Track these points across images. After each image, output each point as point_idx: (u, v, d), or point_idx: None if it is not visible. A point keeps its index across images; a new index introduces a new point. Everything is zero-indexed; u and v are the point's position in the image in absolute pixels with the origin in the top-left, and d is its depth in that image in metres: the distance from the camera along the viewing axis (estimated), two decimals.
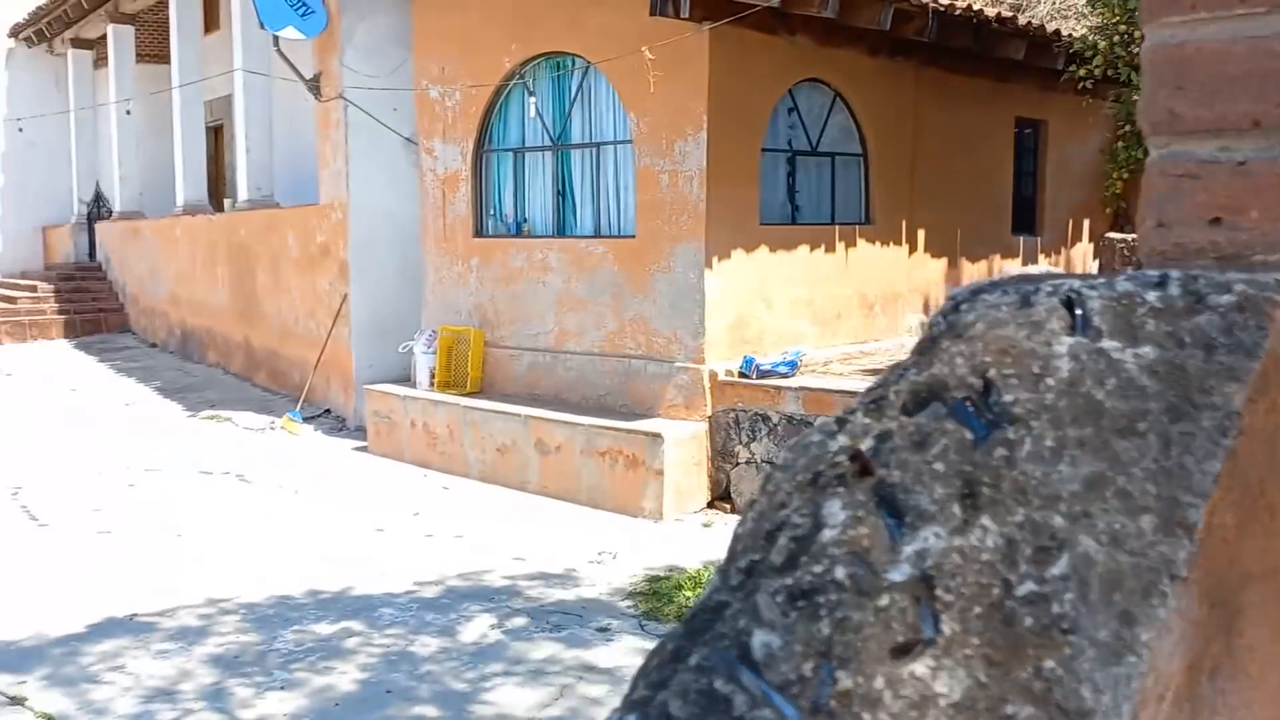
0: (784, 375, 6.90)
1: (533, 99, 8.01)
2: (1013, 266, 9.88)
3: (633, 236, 7.47)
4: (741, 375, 6.96)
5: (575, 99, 7.86)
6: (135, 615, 4.87)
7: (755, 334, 7.33)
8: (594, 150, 7.81)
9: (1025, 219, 10.12)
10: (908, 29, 7.11)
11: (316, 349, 9.70)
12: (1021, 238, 10.01)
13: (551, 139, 8.05)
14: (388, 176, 9.21)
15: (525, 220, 8.42)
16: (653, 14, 6.43)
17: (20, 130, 17.85)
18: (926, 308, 8.81)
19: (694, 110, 6.91)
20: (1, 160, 18.12)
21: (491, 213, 8.64)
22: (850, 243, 8.03)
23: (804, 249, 7.68)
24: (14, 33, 17.83)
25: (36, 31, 17.23)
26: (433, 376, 8.49)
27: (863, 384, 6.49)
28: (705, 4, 6.30)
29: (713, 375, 7.00)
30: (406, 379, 8.83)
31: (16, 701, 4.00)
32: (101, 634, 4.64)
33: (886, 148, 8.31)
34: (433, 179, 8.88)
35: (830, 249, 7.86)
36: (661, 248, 7.21)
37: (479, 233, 8.62)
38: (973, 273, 9.35)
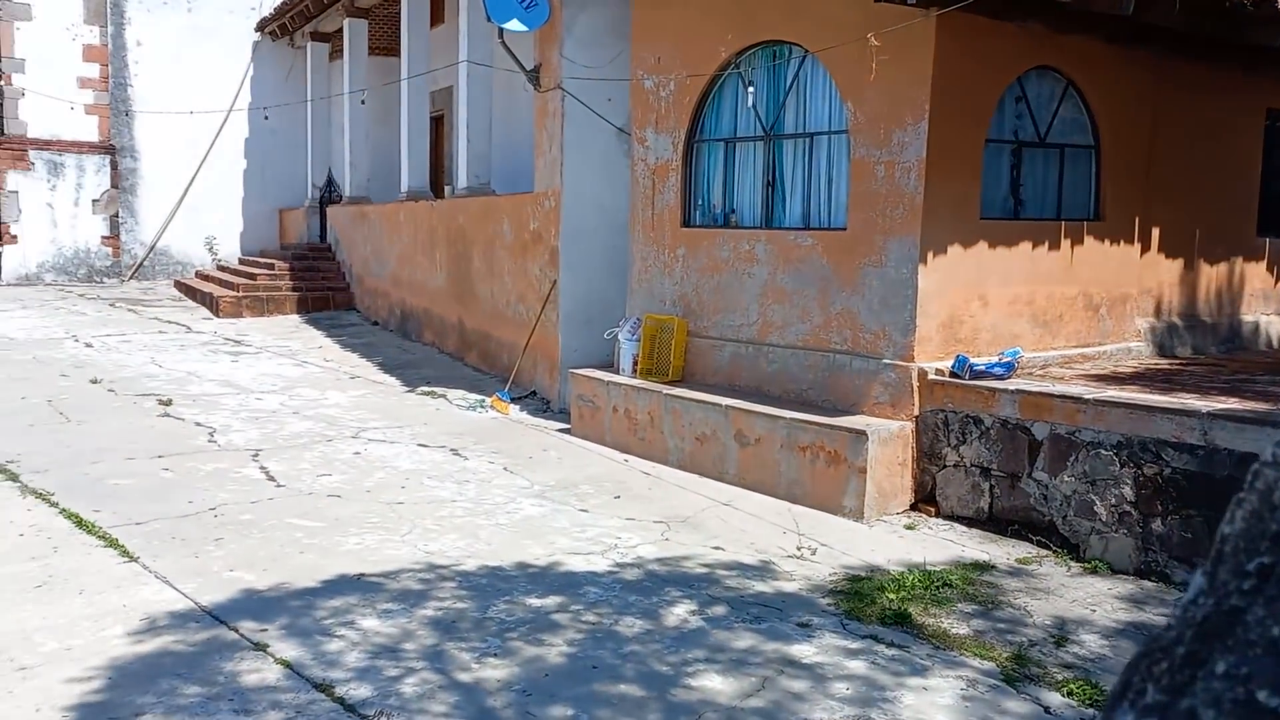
0: (999, 377, 6.62)
1: (750, 90, 7.99)
2: (1257, 270, 9.11)
3: (843, 229, 7.33)
4: (953, 375, 6.72)
5: (790, 88, 7.78)
6: (363, 575, 5.20)
7: (969, 333, 7.07)
8: (807, 140, 7.71)
9: (1274, 219, 9.30)
10: (1151, 14, 6.65)
11: (526, 332, 10.04)
12: (1268, 240, 9.22)
13: (764, 129, 8.01)
14: (600, 166, 9.41)
15: (733, 211, 8.42)
16: (878, 1, 6.27)
17: (266, 118, 19.32)
18: (1159, 311, 8.26)
19: (915, 99, 6.71)
20: (245, 146, 19.70)
21: (699, 203, 8.68)
22: (1076, 240, 7.61)
23: (1026, 245, 7.33)
24: (260, 27, 19.31)
25: (280, 26, 18.60)
26: (636, 363, 8.62)
27: (1087, 389, 6.15)
28: None
29: (921, 374, 6.80)
30: (610, 365, 9.02)
31: (259, 647, 4.34)
32: (333, 591, 4.97)
33: (1121, 140, 7.82)
34: (643, 168, 9.00)
35: (1054, 246, 7.48)
36: (873, 241, 7.05)
37: (686, 223, 8.68)
38: (1211, 276, 8.68)
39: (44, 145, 17.85)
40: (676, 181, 8.68)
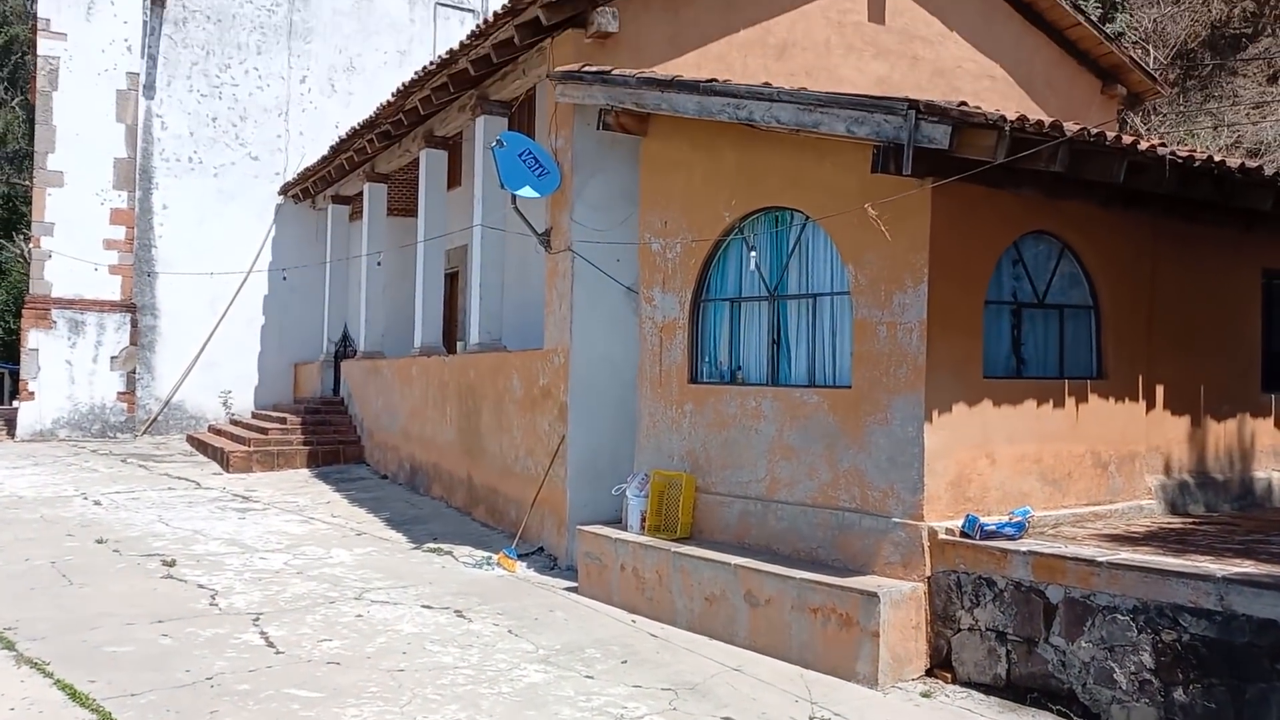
0: (1010, 537, 6.55)
1: (753, 253, 8.21)
2: (1265, 427, 9.09)
3: (848, 387, 7.40)
4: (964, 535, 6.65)
5: (793, 251, 7.99)
6: None
7: (978, 491, 7.03)
8: (810, 301, 7.87)
9: (1278, 375, 9.34)
10: (1143, 180, 6.87)
11: (534, 487, 10.02)
12: (1274, 396, 9.23)
13: (768, 289, 8.18)
14: (608, 323, 9.59)
15: (739, 368, 8.52)
16: (874, 171, 6.51)
17: (284, 279, 19.84)
18: (1168, 468, 8.21)
19: (914, 263, 6.88)
20: (264, 302, 20.16)
21: (706, 360, 8.80)
22: (1081, 398, 7.65)
23: (1030, 403, 7.37)
24: (283, 190, 20.07)
25: (303, 190, 19.32)
26: (644, 520, 8.57)
27: (1100, 550, 6.07)
28: (927, 161, 6.32)
29: (932, 533, 6.73)
30: (618, 521, 8.96)
31: None
32: None
33: (1120, 299, 7.95)
34: (651, 326, 9.17)
35: (1059, 404, 7.51)
36: (878, 399, 7.10)
37: (694, 379, 8.78)
38: (1219, 432, 8.67)
39: (67, 304, 18.30)
40: (684, 339, 8.82)
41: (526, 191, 9.53)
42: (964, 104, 6.27)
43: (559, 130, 9.75)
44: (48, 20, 18.68)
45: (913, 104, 6.19)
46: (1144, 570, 5.67)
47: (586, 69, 8.92)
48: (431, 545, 10.15)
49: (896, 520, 6.88)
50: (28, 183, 30.60)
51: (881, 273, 7.10)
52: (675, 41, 9.73)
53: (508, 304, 12.56)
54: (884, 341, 7.07)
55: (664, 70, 9.21)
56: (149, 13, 19.27)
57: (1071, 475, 7.58)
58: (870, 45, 10.76)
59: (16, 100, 41.60)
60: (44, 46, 18.69)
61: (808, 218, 7.76)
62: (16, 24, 45.26)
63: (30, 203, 21.87)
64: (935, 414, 6.83)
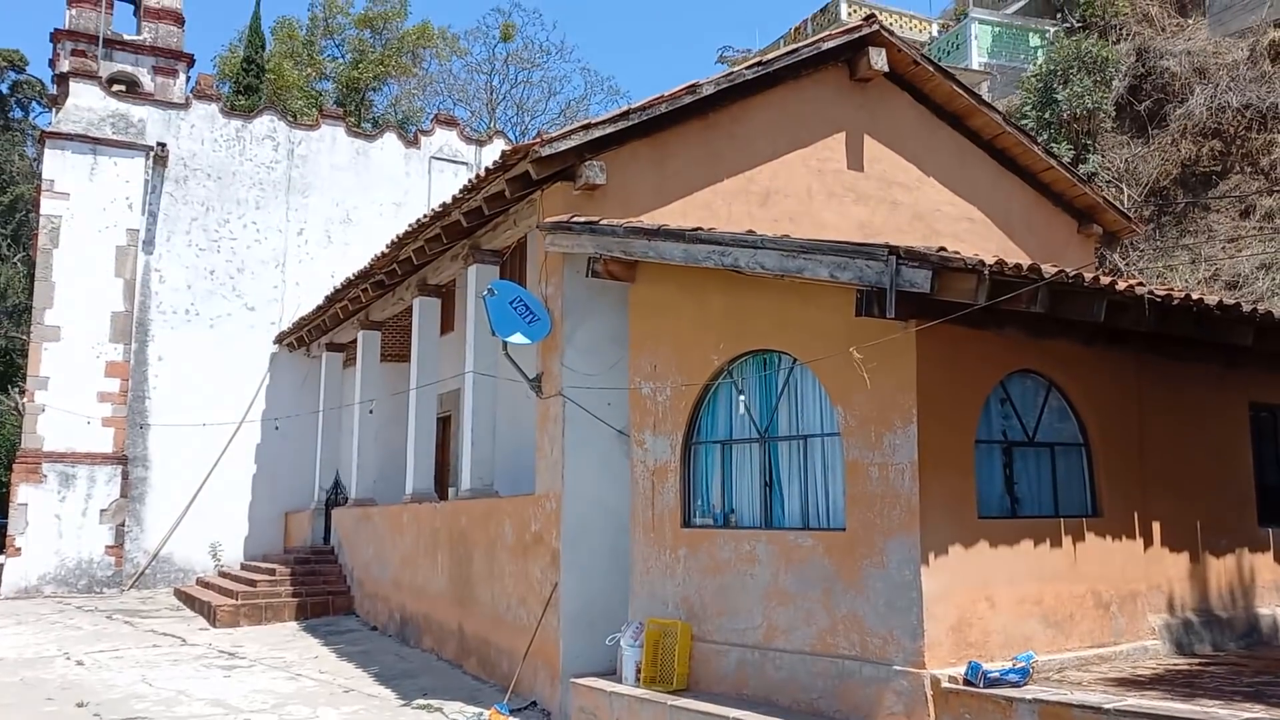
0: (1015, 684, 6.37)
1: (741, 396, 8.26)
2: (1264, 561, 8.98)
3: (843, 529, 7.33)
4: (967, 683, 6.47)
5: (782, 393, 8.04)
6: None
7: (979, 636, 6.88)
8: (801, 442, 7.87)
9: (1273, 509, 9.29)
10: (1124, 318, 6.98)
11: (526, 638, 9.78)
12: (1270, 530, 9.16)
13: (759, 431, 8.20)
14: (601, 467, 9.54)
15: (733, 511, 8.45)
16: (858, 315, 6.62)
17: (276, 428, 19.83)
18: (1171, 607, 8.07)
19: (902, 404, 6.92)
20: (256, 451, 20.10)
21: (699, 503, 8.73)
22: (1078, 536, 7.58)
23: (1027, 543, 7.29)
24: (279, 339, 20.27)
25: (297, 338, 19.52)
26: (639, 671, 8.34)
27: (1107, 697, 5.90)
28: (910, 304, 6.43)
29: (934, 682, 6.55)
30: (613, 672, 8.72)
31: None
32: None
33: (1110, 436, 7.97)
34: (643, 470, 9.13)
35: (1056, 543, 7.43)
36: (873, 541, 7.03)
37: (687, 523, 8.70)
38: (1220, 569, 8.55)
39: (58, 458, 18.23)
40: (676, 482, 8.78)
41: (518, 338, 9.63)
42: (943, 249, 6.42)
43: (549, 278, 9.94)
44: (52, 181, 19.24)
45: (893, 250, 6.34)
46: (1152, 717, 5.50)
47: (575, 219, 9.16)
48: (421, 702, 9.83)
49: (898, 668, 6.71)
50: (25, 337, 30.88)
51: (870, 414, 7.13)
52: (661, 191, 10.02)
53: (500, 448, 12.52)
54: (876, 483, 7.04)
55: (651, 219, 9.46)
56: (151, 171, 19.87)
57: (1073, 617, 7.43)
58: (850, 191, 11.09)
59: (19, 256, 42.41)
60: (47, 206, 19.19)
61: (795, 360, 7.84)
62: (22, 183, 46.56)
63: (25, 356, 22.06)
64: (932, 556, 6.75)
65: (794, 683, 7.37)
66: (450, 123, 23.80)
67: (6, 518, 19.40)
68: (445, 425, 17.07)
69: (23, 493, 18.02)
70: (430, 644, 12.48)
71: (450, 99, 40.14)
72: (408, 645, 12.89)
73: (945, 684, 6.51)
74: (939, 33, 29.92)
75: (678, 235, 8.18)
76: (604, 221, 8.98)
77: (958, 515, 6.96)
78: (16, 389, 36.20)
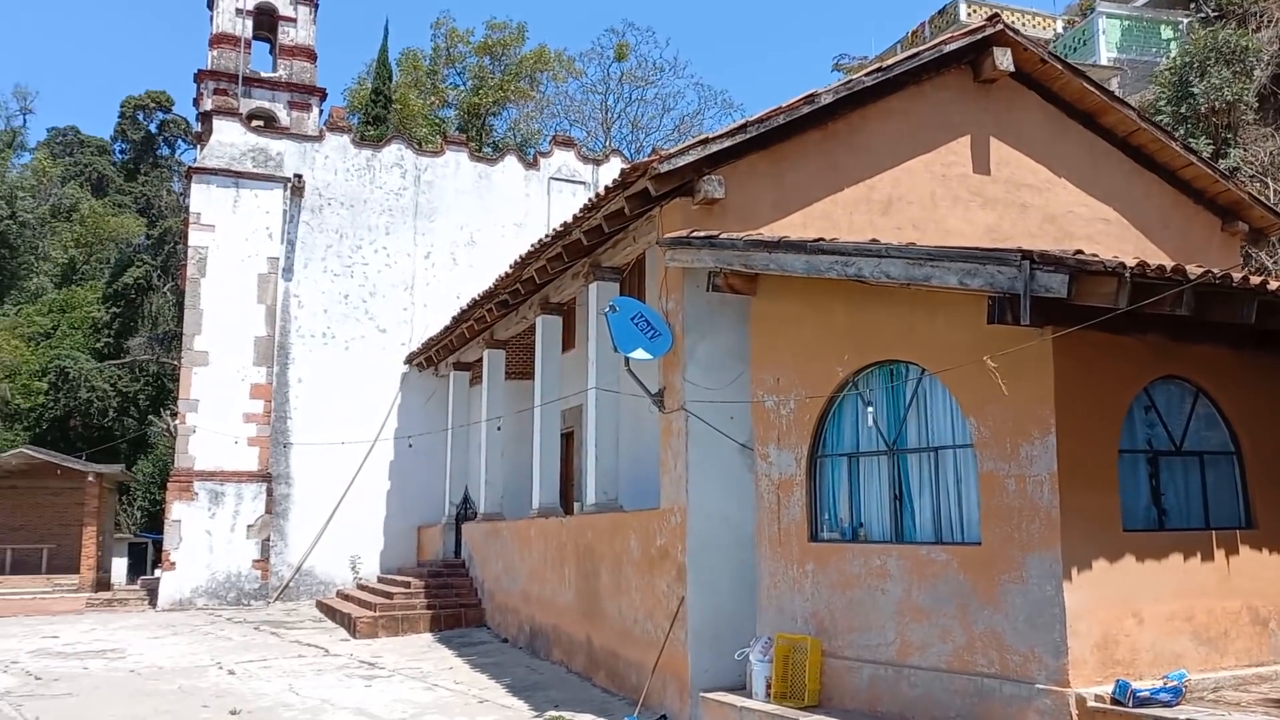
0: (1166, 704, 6.08)
1: (869, 408, 8.14)
2: None
3: (978, 543, 7.14)
4: (1115, 702, 6.21)
5: (910, 404, 7.90)
6: None
7: (1126, 654, 6.59)
8: (931, 454, 7.71)
9: None
10: (1275, 320, 6.62)
11: (654, 651, 9.82)
12: None
13: (887, 443, 8.06)
14: (724, 481, 9.52)
15: (861, 525, 8.33)
16: (990, 323, 6.45)
17: (410, 445, 20.47)
18: None
19: (1039, 414, 6.70)
20: (389, 468, 20.77)
21: (826, 517, 8.63)
22: (1230, 549, 7.19)
23: (1176, 557, 6.96)
24: (408, 360, 20.93)
25: (426, 358, 20.12)
26: (769, 686, 8.28)
27: (1269, 719, 5.57)
28: (1046, 311, 6.23)
29: (1080, 701, 6.30)
30: (743, 686, 8.67)
31: None
32: None
33: (1263, 444, 7.55)
34: (767, 484, 9.08)
35: (1207, 557, 7.07)
36: (1011, 556, 6.82)
37: (814, 537, 8.60)
38: None
39: (208, 476, 19.22)
40: (801, 496, 8.70)
41: (639, 354, 9.71)
42: (1079, 252, 6.21)
43: (669, 293, 9.99)
44: (199, 214, 20.35)
45: (1026, 254, 6.16)
46: None
47: (694, 234, 9.19)
48: (553, 714, 9.97)
49: (1040, 686, 6.49)
50: (176, 362, 32.69)
51: (1005, 425, 6.94)
52: (780, 203, 9.98)
53: (622, 463, 12.63)
54: (1013, 495, 6.84)
55: (770, 231, 9.43)
56: (288, 202, 20.83)
57: (1228, 634, 7.05)
58: (976, 195, 10.82)
59: (168, 285, 44.90)
60: (194, 238, 20.30)
61: (924, 370, 7.69)
62: (170, 217, 49.35)
63: (178, 380, 23.33)
64: (1074, 571, 6.51)
65: (930, 700, 7.20)
66: (568, 143, 24.22)
67: (162, 534, 20.53)
68: (569, 441, 17.30)
69: (176, 510, 19.05)
70: (560, 656, 12.64)
71: (567, 120, 40.88)
72: (538, 657, 13.09)
73: (1091, 703, 6.26)
74: (1064, 29, 28.97)
75: (799, 246, 8.13)
76: (723, 235, 8.99)
77: (1101, 528, 6.69)
78: (169, 412, 38.32)
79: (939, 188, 10.67)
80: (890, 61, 10.43)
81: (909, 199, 10.50)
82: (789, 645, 8.25)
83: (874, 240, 7.78)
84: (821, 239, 8.08)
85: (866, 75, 10.21)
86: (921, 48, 10.66)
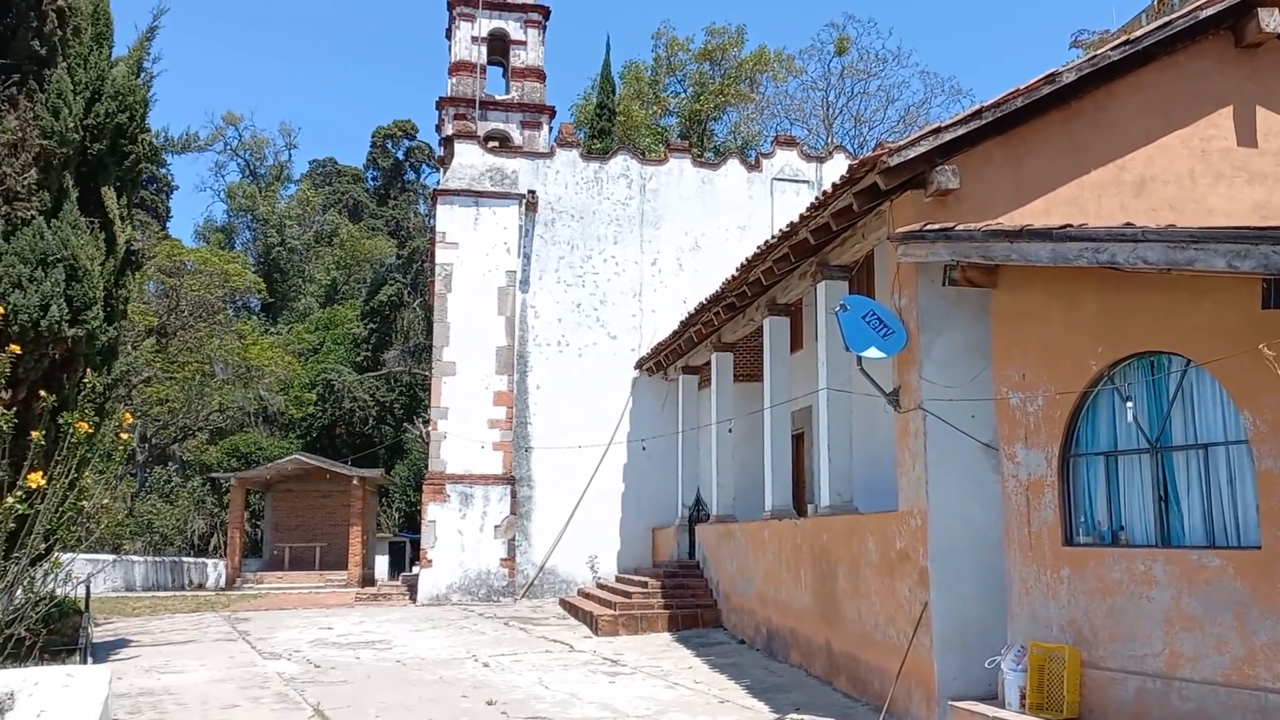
0: None
1: (1128, 403, 7.63)
2: None
3: (1256, 547, 6.56)
4: None
5: (1174, 398, 7.35)
6: None
7: None
8: (1200, 452, 7.14)
9: None
10: None
11: (896, 657, 9.60)
12: None
13: (1149, 441, 7.53)
14: (966, 483, 9.19)
15: (1121, 528, 7.82)
16: (1265, 308, 5.92)
17: (644, 449, 20.97)
18: None
19: None
20: (623, 471, 21.33)
21: (1082, 520, 8.16)
22: None
23: None
24: (638, 365, 21.44)
25: (655, 363, 20.56)
26: (1023, 697, 7.92)
27: None
28: None
29: None
30: (992, 696, 8.34)
31: None
32: None
33: None
34: (1015, 485, 8.69)
35: None
36: None
37: (1068, 541, 8.15)
38: None
39: (458, 479, 20.44)
40: (1053, 498, 8.27)
41: (872, 353, 9.53)
42: None
43: (902, 289, 9.75)
44: (444, 233, 21.70)
45: None
46: None
47: (928, 227, 8.93)
48: (795, 717, 9.92)
49: None
50: (425, 372, 34.92)
51: None
52: (1019, 190, 9.53)
53: (856, 464, 12.43)
54: None
55: (1010, 220, 9.03)
56: (523, 217, 21.85)
57: None
58: (1241, 171, 9.93)
59: (417, 301, 48.06)
60: (441, 255, 21.65)
61: (1189, 361, 7.14)
62: (417, 237, 52.83)
63: (427, 389, 24.96)
64: None
65: (1204, 715, 6.67)
66: (789, 143, 24.09)
67: (417, 533, 22.03)
68: (799, 442, 17.20)
69: (431, 511, 20.36)
70: (798, 659, 12.57)
71: (787, 119, 40.67)
72: (775, 660, 13.07)
73: None
74: None
75: (1044, 235, 7.73)
76: (960, 227, 8.68)
77: None
78: (421, 419, 41.01)
79: (1198, 164, 9.87)
80: (1138, 33, 9.75)
81: (1164, 178, 9.77)
82: (1044, 654, 7.87)
83: (1128, 224, 7.30)
84: (1068, 225, 7.66)
85: (1113, 49, 9.59)
86: (1172, 16, 9.90)
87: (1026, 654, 8.00)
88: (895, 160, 9.03)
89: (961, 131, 9.13)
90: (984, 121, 9.17)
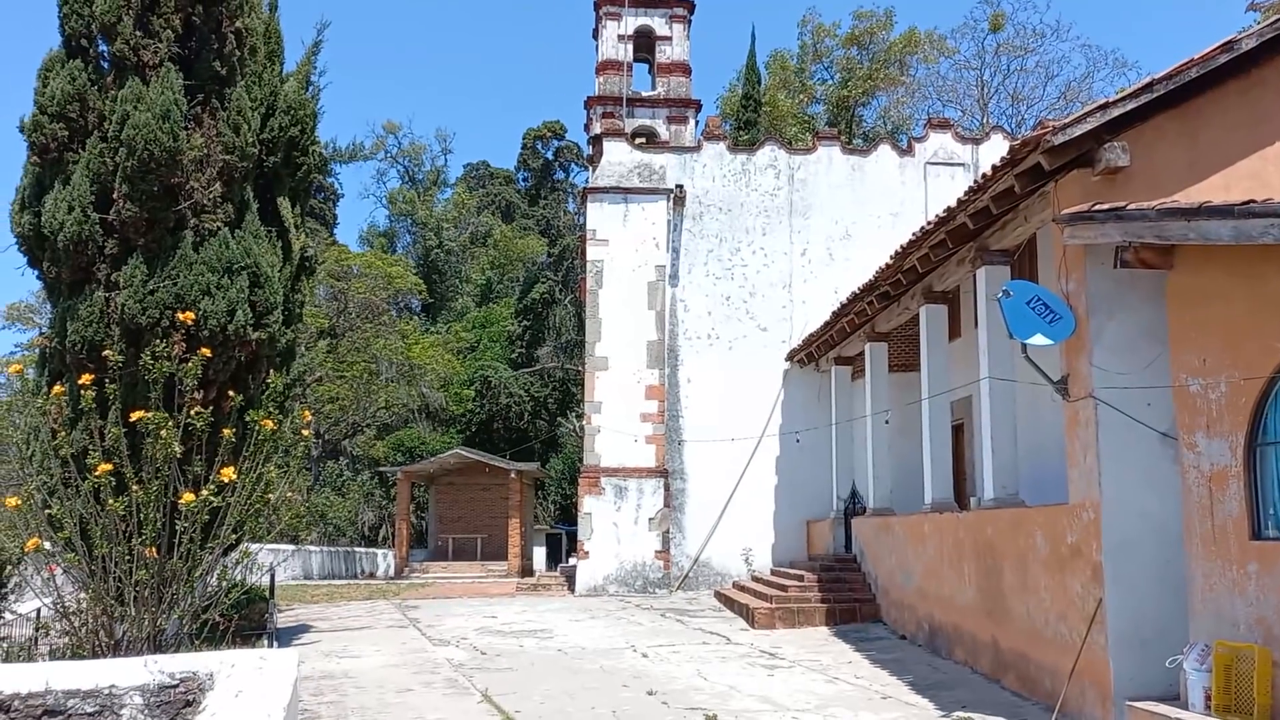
0: None
1: None
2: None
3: None
4: None
5: None
6: None
7: None
8: None
9: None
10: None
11: (1068, 655, 9.24)
12: None
13: None
14: (1141, 474, 8.77)
15: None
16: None
17: (798, 441, 20.83)
18: None
19: None
20: (776, 463, 21.22)
21: (1270, 512, 7.67)
22: None
23: None
24: (789, 356, 21.28)
25: (806, 354, 20.38)
26: (1208, 698, 7.51)
27: None
28: None
29: None
30: (1174, 697, 7.94)
31: None
32: None
33: None
34: (1196, 476, 8.24)
35: None
36: None
37: (1256, 535, 7.68)
38: None
39: (612, 472, 20.76)
40: (1239, 489, 7.81)
41: (1038, 339, 9.19)
42: None
43: (1069, 273, 9.37)
44: (594, 230, 22.05)
45: None
46: None
47: (1097, 208, 8.54)
48: (961, 715, 9.69)
49: None
50: (578, 368, 35.58)
51: None
52: (1195, 165, 9.01)
53: (1020, 455, 12.01)
54: None
55: (1185, 197, 8.56)
56: (671, 212, 21.98)
57: None
58: None
59: (568, 298, 49.04)
60: (591, 253, 22.03)
61: None
62: (567, 235, 53.86)
63: (580, 384, 25.45)
64: None
65: None
66: (943, 125, 23.41)
67: (572, 525, 22.49)
68: (958, 433, 16.71)
69: (587, 503, 20.76)
70: (962, 656, 12.25)
71: (939, 101, 39.53)
72: (938, 656, 12.78)
73: None
74: None
75: (1225, 211, 7.30)
76: (1131, 206, 8.28)
77: None
78: (574, 414, 41.84)
79: None
80: None
81: None
82: (1231, 654, 7.44)
83: None
84: (1252, 200, 7.20)
85: None
86: None
87: (1211, 653, 7.59)
88: (1060, 139, 8.70)
89: (1131, 106, 8.71)
90: (1155, 95, 8.72)
